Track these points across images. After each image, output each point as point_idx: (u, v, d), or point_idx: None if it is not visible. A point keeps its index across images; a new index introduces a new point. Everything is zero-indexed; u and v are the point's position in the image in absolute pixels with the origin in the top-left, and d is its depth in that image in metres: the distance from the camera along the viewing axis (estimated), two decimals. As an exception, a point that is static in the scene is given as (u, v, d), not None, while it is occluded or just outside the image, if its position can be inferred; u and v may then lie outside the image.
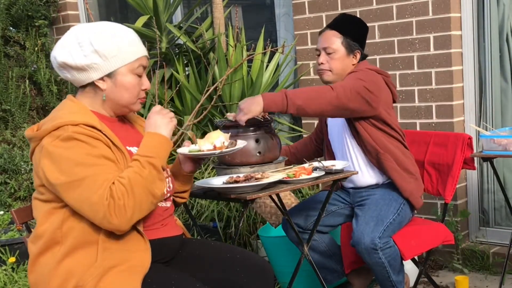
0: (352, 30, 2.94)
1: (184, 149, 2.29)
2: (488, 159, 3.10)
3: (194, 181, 2.50)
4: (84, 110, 2.03)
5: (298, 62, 4.32)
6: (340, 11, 4.02)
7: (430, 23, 3.67)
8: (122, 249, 1.97)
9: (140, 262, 1.99)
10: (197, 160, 2.34)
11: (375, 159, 2.88)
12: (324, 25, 4.10)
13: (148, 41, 4.49)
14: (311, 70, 4.23)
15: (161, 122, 2.06)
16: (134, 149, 2.10)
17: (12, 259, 3.72)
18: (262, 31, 4.31)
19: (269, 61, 4.34)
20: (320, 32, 2.98)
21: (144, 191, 1.91)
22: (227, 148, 2.32)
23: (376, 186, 2.96)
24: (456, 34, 3.67)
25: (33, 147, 1.99)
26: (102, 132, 1.97)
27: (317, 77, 4.19)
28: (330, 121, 3.06)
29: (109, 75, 2.04)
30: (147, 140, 2.03)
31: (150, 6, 4.42)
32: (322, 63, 2.93)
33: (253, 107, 2.55)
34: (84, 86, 2.07)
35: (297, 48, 4.29)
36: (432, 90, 3.73)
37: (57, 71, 2.08)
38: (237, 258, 2.24)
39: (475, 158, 3.73)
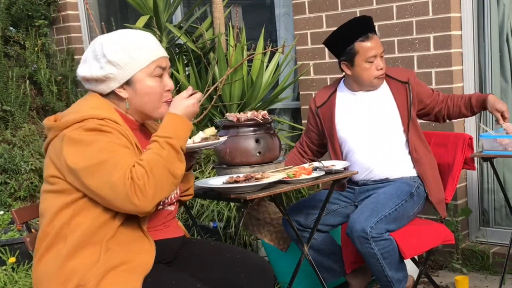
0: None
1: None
2: (488, 159, 3.10)
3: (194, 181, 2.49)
4: (109, 107, 2.04)
5: (298, 62, 4.32)
6: (340, 11, 4.02)
7: (430, 23, 3.67)
8: (126, 250, 1.97)
9: (143, 262, 1.99)
10: (191, 154, 2.28)
11: (419, 156, 3.01)
12: (324, 25, 4.13)
13: (148, 41, 4.49)
14: (311, 70, 4.23)
15: (184, 104, 2.02)
16: None
17: (12, 259, 3.72)
18: (262, 31, 4.31)
19: (269, 61, 4.34)
20: (367, 39, 2.95)
21: (164, 171, 1.90)
22: (206, 141, 2.28)
23: (386, 180, 3.01)
24: (456, 34, 3.67)
25: (50, 137, 2.00)
26: (124, 129, 1.98)
27: (317, 76, 4.20)
28: (346, 119, 3.08)
29: (128, 83, 2.04)
30: (166, 121, 2.00)
31: (150, 6, 4.42)
32: (382, 69, 2.99)
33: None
34: (107, 94, 2.08)
35: (297, 48, 4.30)
36: (432, 90, 3.73)
37: (84, 84, 2.12)
38: (237, 258, 2.24)
39: (475, 158, 3.74)
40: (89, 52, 2.08)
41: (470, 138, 3.07)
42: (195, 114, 2.05)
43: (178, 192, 2.23)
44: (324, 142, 3.20)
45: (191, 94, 2.05)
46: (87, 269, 1.92)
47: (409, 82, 3.03)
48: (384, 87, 3.06)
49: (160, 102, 2.09)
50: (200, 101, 2.08)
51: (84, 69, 2.07)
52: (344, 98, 3.10)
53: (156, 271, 2.02)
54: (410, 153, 3.02)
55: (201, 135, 2.28)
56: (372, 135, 3.01)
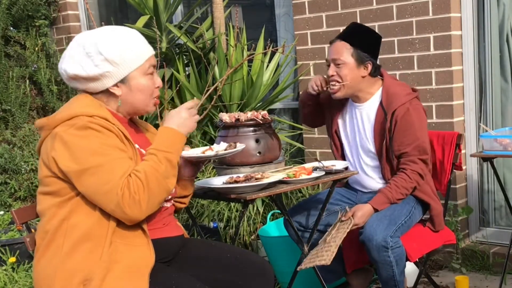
0: (362, 40, 2.87)
1: (185, 153, 2.28)
2: (488, 159, 3.10)
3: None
4: (98, 105, 2.04)
5: (298, 62, 4.32)
6: (340, 11, 4.02)
7: (430, 23, 3.67)
8: (128, 244, 1.98)
9: (144, 258, 1.99)
10: (197, 164, 2.33)
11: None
12: (325, 25, 4.13)
13: (148, 41, 4.48)
14: (311, 70, 4.23)
15: (183, 119, 2.04)
16: (138, 148, 2.11)
17: (12, 259, 3.72)
18: (262, 31, 4.31)
19: (269, 61, 4.34)
20: (330, 43, 2.92)
21: (159, 186, 1.93)
22: (225, 150, 2.33)
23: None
24: (456, 34, 3.67)
25: (43, 137, 2.00)
26: (115, 126, 1.98)
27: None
28: (347, 129, 3.02)
29: (123, 81, 2.05)
30: (164, 133, 2.02)
31: (150, 6, 4.42)
32: (332, 75, 2.87)
33: (365, 218, 2.75)
34: (97, 93, 2.08)
35: (297, 48, 4.30)
36: (432, 90, 3.73)
37: (67, 82, 2.09)
38: (237, 258, 2.24)
39: (475, 158, 3.74)
40: (76, 48, 2.03)
41: (459, 134, 3.07)
42: (191, 129, 2.07)
43: (174, 190, 2.22)
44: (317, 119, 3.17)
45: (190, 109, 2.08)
46: (91, 263, 1.93)
47: (392, 116, 2.82)
48: (376, 106, 2.92)
49: (151, 99, 2.13)
50: (197, 116, 2.10)
51: (74, 67, 2.02)
52: (345, 105, 3.04)
53: (156, 271, 2.02)
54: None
55: (222, 146, 2.37)
56: (360, 150, 2.98)
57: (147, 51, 2.09)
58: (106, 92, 2.06)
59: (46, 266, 1.98)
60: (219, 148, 2.38)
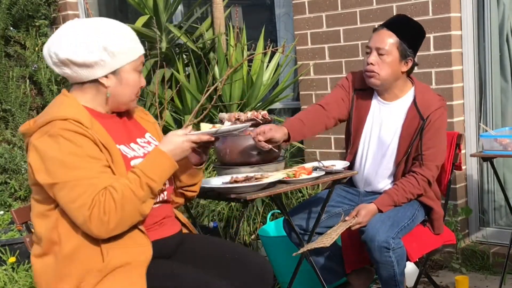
0: (410, 34, 2.80)
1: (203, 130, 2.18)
2: (488, 159, 3.10)
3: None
4: (76, 104, 1.99)
5: (298, 62, 4.32)
6: (340, 11, 4.02)
7: (430, 23, 3.67)
8: (123, 246, 1.96)
9: (140, 257, 1.98)
10: (203, 150, 2.24)
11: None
12: (324, 25, 4.14)
13: (148, 41, 4.49)
14: (311, 70, 4.23)
15: (176, 141, 2.02)
16: (123, 148, 2.07)
17: (12, 259, 3.72)
18: (262, 31, 4.31)
19: (269, 61, 4.34)
20: (375, 30, 2.83)
21: (133, 210, 1.91)
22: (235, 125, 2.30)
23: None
24: (456, 34, 3.67)
25: (26, 143, 1.99)
26: (89, 130, 1.93)
27: (317, 76, 4.20)
28: (369, 130, 2.94)
29: (114, 72, 2.02)
30: (157, 159, 1.98)
31: (150, 6, 4.42)
32: (371, 64, 2.78)
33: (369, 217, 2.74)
34: (83, 83, 2.03)
35: (297, 48, 4.29)
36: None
37: (54, 66, 2.01)
38: (236, 256, 2.24)
39: (475, 158, 3.74)
40: (71, 33, 1.97)
41: (459, 134, 3.07)
42: (184, 153, 2.04)
43: (166, 193, 2.17)
44: (336, 122, 2.97)
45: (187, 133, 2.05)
46: (86, 268, 1.92)
47: (425, 121, 2.80)
48: (408, 106, 2.87)
49: (134, 96, 2.11)
50: (192, 141, 2.05)
51: (68, 51, 1.95)
52: (376, 105, 2.96)
53: (155, 263, 2.02)
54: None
55: (227, 124, 2.33)
56: (378, 148, 2.93)
57: (140, 49, 2.09)
58: (94, 82, 2.02)
59: (43, 271, 1.99)
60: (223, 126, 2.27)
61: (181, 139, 2.02)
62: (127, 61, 2.03)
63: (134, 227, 1.99)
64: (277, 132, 2.64)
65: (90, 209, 1.84)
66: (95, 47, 1.96)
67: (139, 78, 2.10)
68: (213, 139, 2.13)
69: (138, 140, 2.16)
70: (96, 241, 1.94)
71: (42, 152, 1.88)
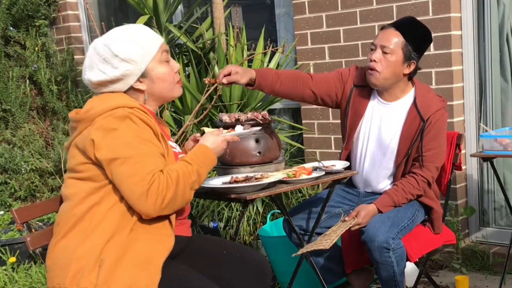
0: (417, 37, 2.80)
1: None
2: (488, 159, 3.11)
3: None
4: (135, 100, 2.11)
5: (298, 62, 4.32)
6: (340, 11, 4.02)
7: (430, 23, 3.66)
8: (148, 233, 2.01)
9: (161, 249, 2.02)
10: None
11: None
12: (324, 25, 4.14)
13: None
14: (311, 70, 4.23)
15: (216, 140, 2.18)
16: (171, 143, 2.19)
17: (12, 259, 3.72)
18: (262, 31, 4.31)
19: (269, 61, 4.34)
20: (382, 28, 2.83)
21: (184, 192, 2.00)
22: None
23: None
24: (456, 34, 3.67)
25: (80, 130, 2.03)
26: (152, 120, 2.05)
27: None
28: (369, 129, 2.93)
29: (144, 75, 2.11)
30: (205, 153, 2.12)
31: (150, 6, 4.42)
32: (374, 61, 2.77)
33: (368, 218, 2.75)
34: (124, 92, 2.13)
35: (297, 48, 4.30)
36: (432, 90, 3.73)
37: (94, 90, 2.14)
38: (235, 254, 2.26)
39: (476, 158, 3.74)
40: (93, 57, 2.10)
41: (459, 134, 3.07)
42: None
43: None
44: (317, 99, 2.93)
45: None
46: (109, 246, 1.96)
47: (426, 122, 2.80)
48: (408, 107, 2.86)
49: (174, 84, 2.19)
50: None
51: (96, 74, 2.09)
52: (375, 104, 2.94)
53: (165, 263, 2.04)
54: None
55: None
56: (378, 148, 2.92)
57: (156, 40, 2.14)
58: (132, 89, 2.12)
59: (66, 247, 2.01)
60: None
61: (220, 139, 2.19)
62: (148, 60, 2.10)
63: (166, 217, 2.04)
64: (243, 77, 2.68)
65: (149, 184, 1.92)
66: (116, 61, 2.06)
67: (168, 68, 2.16)
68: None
69: (180, 157, 2.23)
70: (123, 224, 1.98)
71: (108, 130, 1.96)
